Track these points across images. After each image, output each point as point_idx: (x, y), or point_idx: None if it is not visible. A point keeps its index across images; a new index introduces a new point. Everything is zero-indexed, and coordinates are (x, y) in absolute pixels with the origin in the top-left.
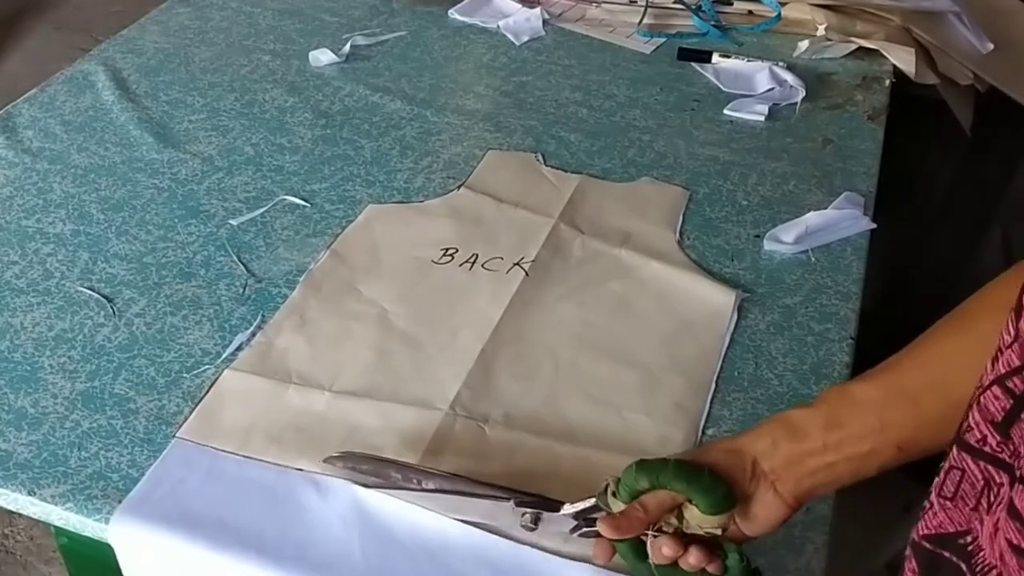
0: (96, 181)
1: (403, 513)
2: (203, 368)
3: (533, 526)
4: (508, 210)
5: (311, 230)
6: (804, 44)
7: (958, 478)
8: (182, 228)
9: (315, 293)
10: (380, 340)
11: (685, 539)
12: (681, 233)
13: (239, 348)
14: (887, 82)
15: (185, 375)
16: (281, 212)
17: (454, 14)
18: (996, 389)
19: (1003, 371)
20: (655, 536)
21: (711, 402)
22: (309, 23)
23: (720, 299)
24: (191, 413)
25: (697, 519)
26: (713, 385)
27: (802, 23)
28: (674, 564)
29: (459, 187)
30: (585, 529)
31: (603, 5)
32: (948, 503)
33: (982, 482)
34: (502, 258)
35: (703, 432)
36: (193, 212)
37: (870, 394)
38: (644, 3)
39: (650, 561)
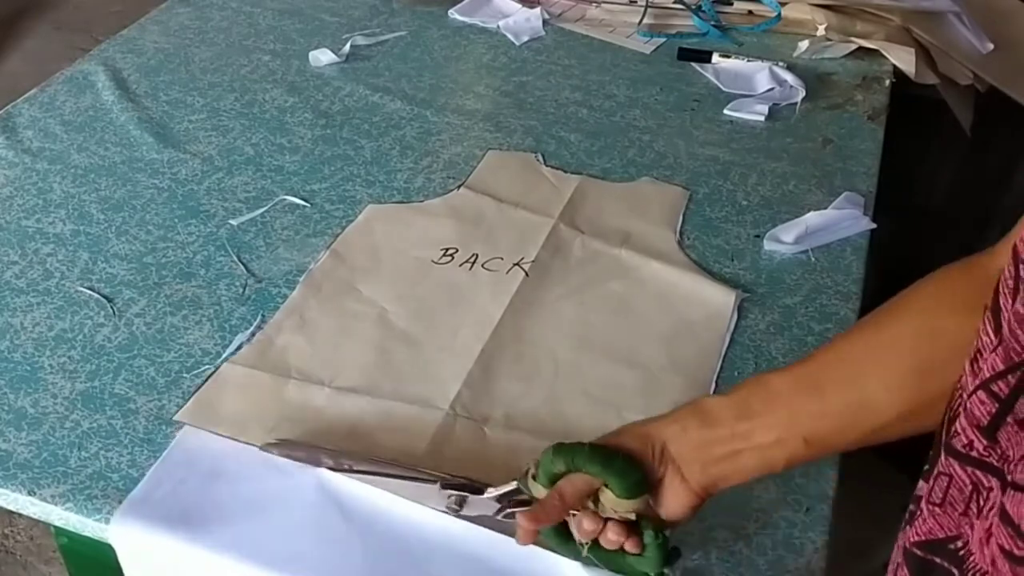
0: (96, 181)
1: (406, 516)
2: (203, 368)
3: (457, 507)
4: (508, 210)
5: (311, 230)
6: (804, 44)
7: (946, 484)
8: (182, 228)
9: (315, 293)
10: (380, 340)
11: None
12: (681, 233)
13: (239, 348)
14: (887, 82)
15: (185, 375)
16: (281, 212)
17: (454, 14)
18: (981, 394)
19: (988, 375)
20: (575, 514)
21: None
22: (309, 23)
23: (720, 299)
24: (188, 401)
25: (612, 503)
26: (713, 385)
27: (802, 23)
28: (596, 542)
29: (459, 187)
30: (509, 511)
31: (603, 5)
32: (937, 509)
33: (970, 487)
34: (502, 258)
35: None
36: (193, 212)
37: (783, 385)
38: (644, 3)
39: (577, 541)
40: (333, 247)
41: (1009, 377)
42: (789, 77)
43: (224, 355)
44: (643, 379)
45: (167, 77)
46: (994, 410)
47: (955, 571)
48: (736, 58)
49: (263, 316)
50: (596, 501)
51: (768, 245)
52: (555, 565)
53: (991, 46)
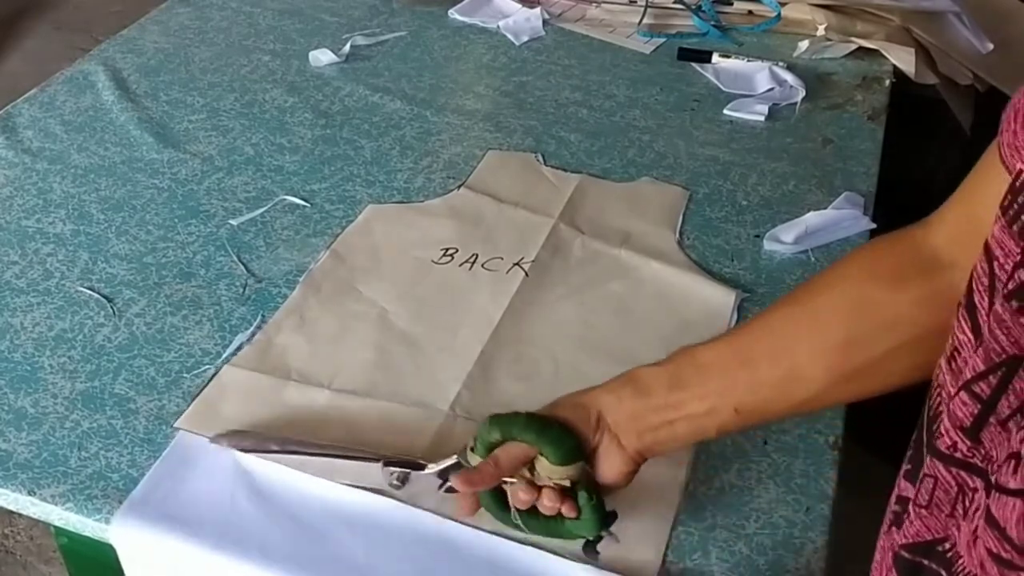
0: (96, 181)
1: (405, 520)
2: (203, 368)
3: (400, 484)
4: (508, 210)
5: (311, 230)
6: (804, 44)
7: (932, 486)
8: (182, 228)
9: (315, 293)
10: (380, 340)
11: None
12: (681, 233)
13: (239, 348)
14: (887, 82)
15: (185, 375)
16: (281, 212)
17: (454, 14)
18: (963, 395)
19: (969, 376)
20: (512, 483)
21: None
22: (309, 23)
23: (720, 299)
24: (189, 405)
25: (547, 470)
26: None
27: (802, 23)
28: (533, 510)
29: (459, 187)
30: (450, 485)
31: (603, 5)
32: (924, 511)
33: (956, 488)
34: (502, 258)
35: None
36: (193, 212)
37: (713, 356)
38: (644, 3)
39: (512, 511)
40: (333, 247)
41: (990, 378)
42: (789, 77)
43: (224, 355)
44: None
45: (167, 77)
46: (976, 411)
47: (943, 573)
48: (736, 58)
49: (263, 316)
50: (532, 470)
51: (768, 245)
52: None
53: (991, 46)
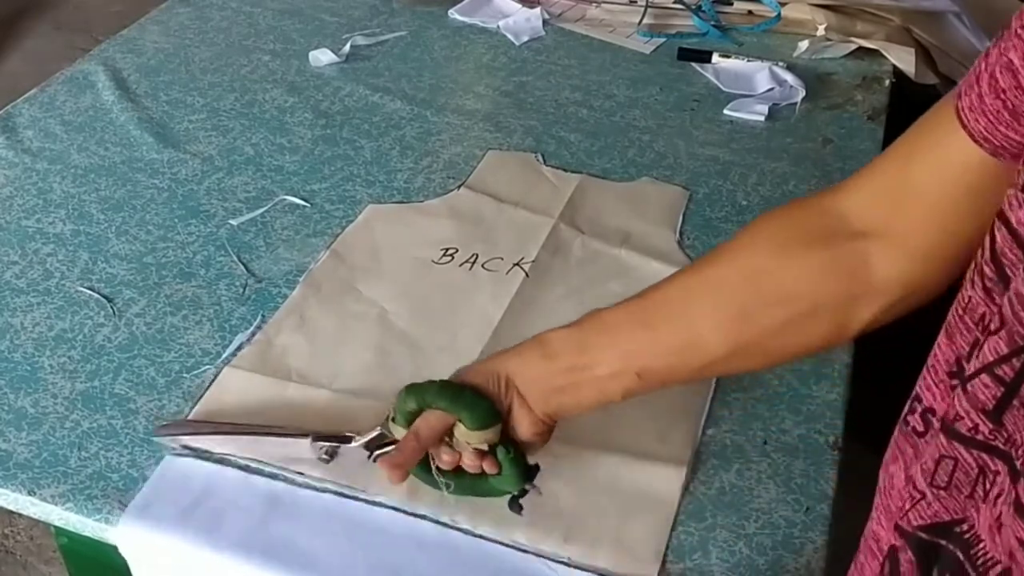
0: (96, 181)
1: (408, 525)
2: (203, 368)
3: (328, 458)
4: (508, 210)
5: (311, 230)
6: (804, 44)
7: (951, 467)
8: (182, 228)
9: (315, 293)
10: (380, 340)
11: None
12: (681, 233)
13: (239, 348)
14: (887, 82)
15: (185, 375)
16: (281, 212)
17: (454, 14)
18: (985, 377)
19: (991, 359)
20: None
21: (711, 402)
22: (309, 23)
23: None
24: (191, 411)
25: (465, 435)
26: (713, 385)
27: (802, 23)
28: (458, 470)
29: (459, 187)
30: (378, 453)
31: (603, 5)
32: (942, 492)
33: (976, 470)
34: (502, 258)
35: (703, 432)
36: (193, 212)
37: (618, 320)
38: (644, 3)
39: (435, 475)
40: (333, 247)
41: (1014, 361)
42: (789, 77)
43: (224, 355)
44: None
45: (167, 77)
46: (999, 394)
47: (961, 555)
48: (736, 58)
49: (263, 316)
50: (451, 436)
51: None
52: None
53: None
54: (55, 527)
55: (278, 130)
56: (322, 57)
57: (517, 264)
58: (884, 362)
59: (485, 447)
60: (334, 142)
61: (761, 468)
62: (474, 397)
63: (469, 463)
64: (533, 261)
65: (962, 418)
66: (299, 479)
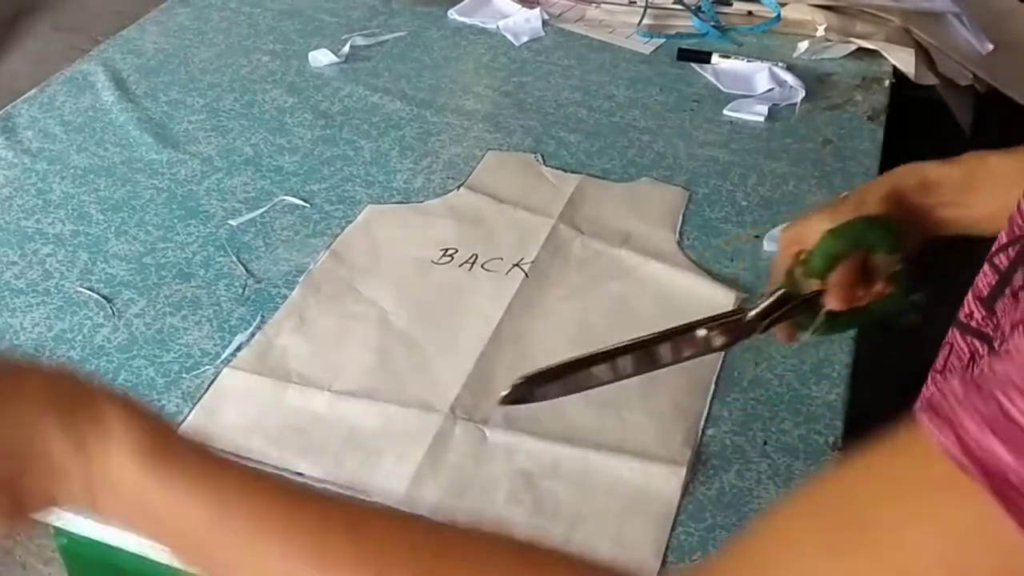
0: (96, 181)
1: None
2: (203, 368)
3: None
4: (508, 210)
5: (311, 230)
6: (804, 44)
7: (948, 352)
8: (182, 228)
9: (315, 293)
10: (380, 341)
11: None
12: (681, 233)
13: (238, 348)
14: (887, 82)
15: (185, 375)
16: (281, 212)
17: (454, 14)
18: (985, 266)
19: (992, 249)
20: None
21: (711, 402)
22: (309, 23)
23: (720, 299)
24: (190, 412)
25: (884, 263)
26: (713, 385)
27: (802, 23)
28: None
29: (459, 187)
30: (768, 323)
31: (603, 5)
32: (939, 376)
33: (968, 355)
34: (502, 259)
35: (703, 432)
36: (193, 212)
37: (1005, 168)
38: (644, 3)
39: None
40: (333, 247)
41: (1009, 250)
42: (789, 77)
43: (223, 356)
44: (643, 379)
45: (167, 77)
46: (994, 281)
47: None
48: (736, 58)
49: (263, 317)
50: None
51: (768, 245)
52: None
53: (991, 47)
54: (54, 527)
55: (277, 130)
56: (322, 57)
57: (517, 264)
58: (884, 362)
59: (899, 266)
60: (333, 142)
61: (761, 469)
62: (890, 222)
63: (881, 289)
64: (533, 261)
65: (964, 306)
66: (298, 480)
